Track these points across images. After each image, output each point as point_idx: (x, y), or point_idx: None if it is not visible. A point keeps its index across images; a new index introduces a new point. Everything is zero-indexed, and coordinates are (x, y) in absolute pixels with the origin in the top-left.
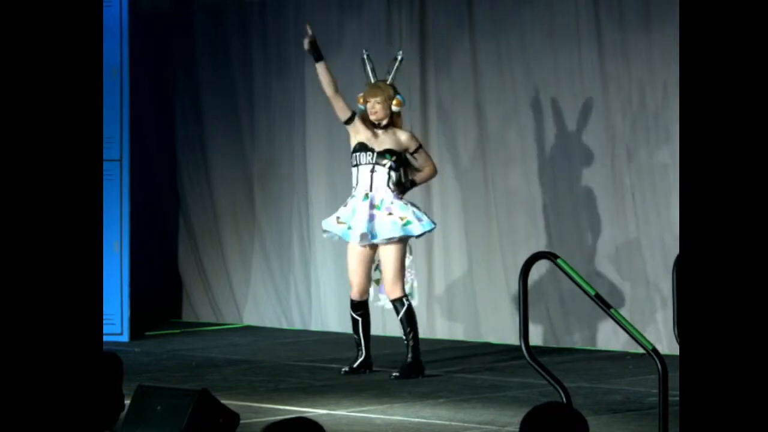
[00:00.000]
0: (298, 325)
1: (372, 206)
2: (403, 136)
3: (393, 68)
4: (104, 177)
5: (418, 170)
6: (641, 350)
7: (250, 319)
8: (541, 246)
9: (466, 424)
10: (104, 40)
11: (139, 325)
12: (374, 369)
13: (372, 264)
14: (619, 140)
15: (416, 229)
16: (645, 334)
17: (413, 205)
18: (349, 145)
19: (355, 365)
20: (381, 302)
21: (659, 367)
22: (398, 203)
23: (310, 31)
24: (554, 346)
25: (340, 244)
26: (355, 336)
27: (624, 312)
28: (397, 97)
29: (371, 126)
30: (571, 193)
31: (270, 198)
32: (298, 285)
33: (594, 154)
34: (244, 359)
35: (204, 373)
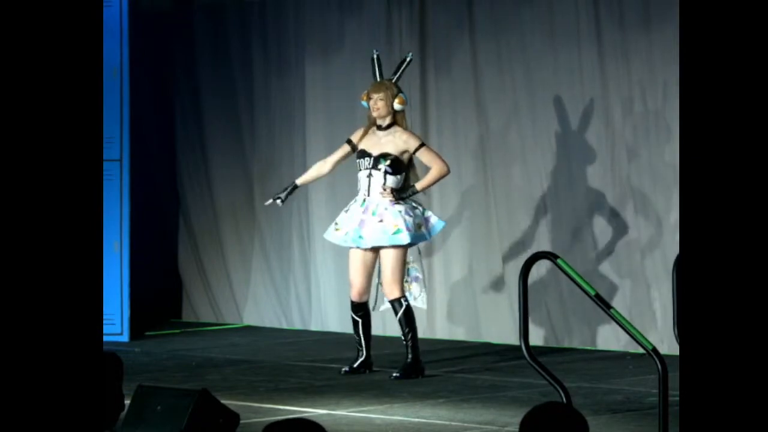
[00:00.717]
0: (298, 325)
1: (365, 211)
2: (403, 137)
3: (400, 69)
4: (104, 177)
5: (423, 174)
6: (641, 350)
7: (250, 319)
8: (541, 246)
9: (466, 424)
10: (104, 40)
11: (139, 325)
12: (374, 369)
13: (373, 267)
14: (619, 140)
15: (404, 238)
16: (645, 334)
17: (415, 208)
18: (345, 158)
19: (355, 365)
20: (384, 307)
21: (659, 367)
22: (392, 210)
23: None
24: (554, 346)
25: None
26: (356, 336)
27: (624, 312)
28: (400, 95)
29: (373, 132)
30: (571, 193)
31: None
32: (298, 285)
33: (594, 154)
34: (244, 359)
35: (204, 373)
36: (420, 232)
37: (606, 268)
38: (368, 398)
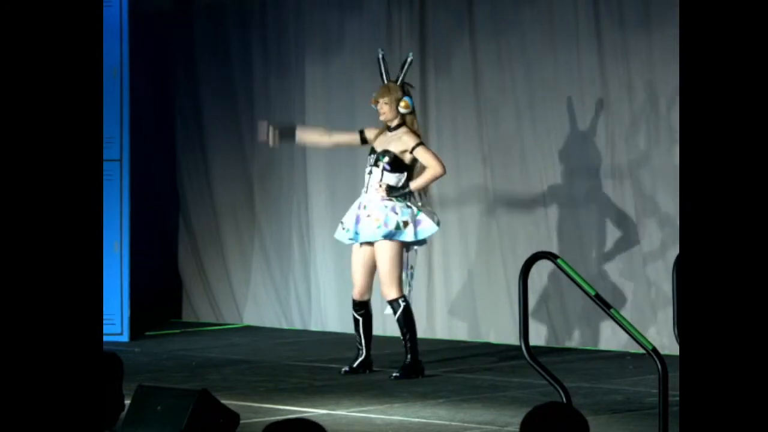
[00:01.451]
0: (298, 325)
1: (360, 207)
2: (404, 137)
3: (403, 70)
4: (104, 177)
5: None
6: (641, 350)
7: (250, 319)
8: (541, 246)
9: (466, 424)
10: (104, 40)
11: (139, 325)
12: (374, 369)
13: (373, 264)
14: (619, 140)
15: (379, 233)
16: (645, 334)
17: (409, 207)
18: (349, 146)
19: (354, 365)
20: (387, 311)
21: (659, 367)
22: (380, 205)
23: (269, 138)
24: (554, 346)
25: (340, 244)
26: (356, 335)
27: (624, 312)
28: (405, 99)
29: (384, 133)
30: (571, 193)
31: (270, 198)
32: (298, 285)
33: (594, 154)
34: (244, 359)
35: (204, 373)
36: (398, 231)
37: (606, 268)
38: (368, 398)
